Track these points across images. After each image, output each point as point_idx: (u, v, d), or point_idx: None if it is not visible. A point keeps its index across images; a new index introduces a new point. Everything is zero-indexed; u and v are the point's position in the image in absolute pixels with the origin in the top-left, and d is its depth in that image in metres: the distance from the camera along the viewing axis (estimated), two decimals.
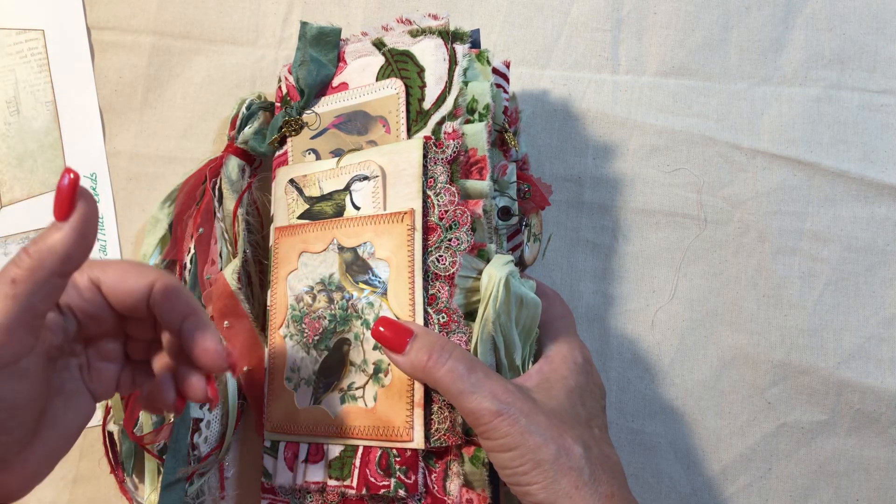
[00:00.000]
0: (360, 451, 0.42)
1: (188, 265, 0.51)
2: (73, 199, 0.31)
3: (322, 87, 0.48)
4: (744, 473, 0.54)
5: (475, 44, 0.46)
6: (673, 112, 0.56)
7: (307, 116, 0.48)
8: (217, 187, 0.52)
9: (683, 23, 0.56)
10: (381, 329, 0.39)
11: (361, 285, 0.43)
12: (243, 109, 0.52)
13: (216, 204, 0.52)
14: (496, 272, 0.40)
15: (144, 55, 0.58)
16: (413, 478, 0.40)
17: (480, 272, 0.42)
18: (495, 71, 0.49)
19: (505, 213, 0.46)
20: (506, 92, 0.49)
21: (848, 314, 0.54)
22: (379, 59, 0.46)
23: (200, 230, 0.51)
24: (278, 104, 0.51)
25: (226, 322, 0.50)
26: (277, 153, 0.50)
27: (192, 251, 0.51)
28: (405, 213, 0.42)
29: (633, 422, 0.54)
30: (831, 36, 0.55)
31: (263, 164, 0.54)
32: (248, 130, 0.51)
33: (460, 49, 0.45)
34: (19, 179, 0.57)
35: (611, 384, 0.54)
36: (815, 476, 0.53)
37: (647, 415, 0.54)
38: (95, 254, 0.57)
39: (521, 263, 0.50)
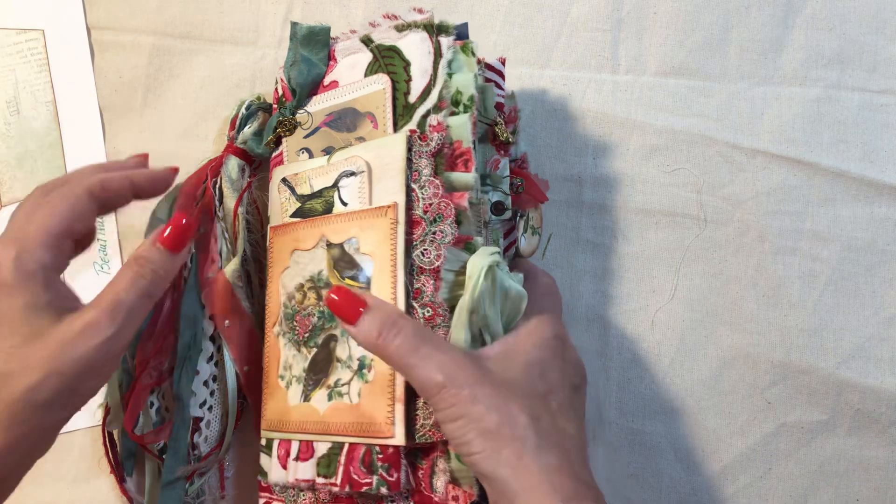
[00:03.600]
0: (346, 448, 0.41)
1: (188, 264, 0.51)
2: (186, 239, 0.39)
3: (314, 87, 0.48)
4: (744, 473, 0.54)
5: (461, 36, 0.46)
6: (673, 112, 0.56)
7: (300, 116, 0.48)
8: (217, 186, 0.52)
9: (683, 23, 0.56)
10: (335, 297, 0.38)
11: (347, 281, 0.43)
12: (242, 110, 0.52)
13: (217, 203, 0.52)
14: (479, 261, 0.40)
15: (144, 55, 0.58)
16: (395, 475, 0.40)
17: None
18: (490, 67, 0.49)
19: (498, 207, 0.46)
20: (500, 88, 0.49)
21: (848, 314, 0.54)
22: (367, 56, 0.46)
23: (201, 229, 0.51)
24: (275, 105, 0.51)
25: (226, 321, 0.50)
26: (274, 153, 0.50)
27: (192, 250, 0.51)
28: (388, 207, 0.42)
29: (633, 422, 0.54)
30: (831, 36, 0.55)
31: (263, 164, 0.54)
32: (247, 131, 0.52)
33: (445, 41, 0.44)
34: (19, 179, 0.57)
35: (611, 384, 0.54)
36: (815, 476, 0.53)
37: (647, 415, 0.54)
38: (94, 253, 0.57)
39: (517, 256, 0.50)
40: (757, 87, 0.56)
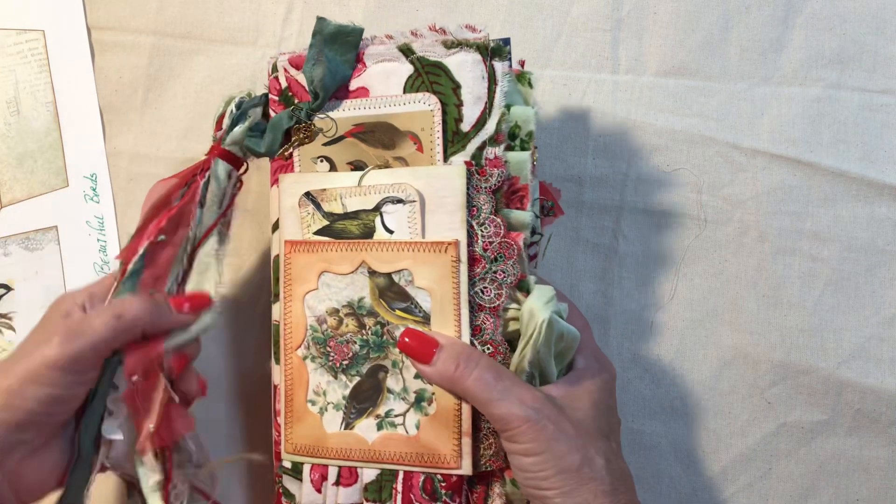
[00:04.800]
0: (402, 475, 0.42)
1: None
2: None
3: (337, 90, 0.44)
4: (744, 473, 0.54)
5: (501, 51, 0.44)
6: (673, 112, 0.56)
7: (321, 121, 0.45)
8: (204, 192, 0.46)
9: (683, 23, 0.56)
10: (408, 340, 0.40)
11: (399, 313, 0.42)
12: (232, 108, 0.47)
13: (199, 210, 0.46)
14: (539, 312, 0.39)
15: (144, 55, 0.58)
16: (458, 500, 0.41)
17: (518, 301, 0.41)
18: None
19: (531, 231, 0.45)
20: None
21: (848, 314, 0.54)
22: (405, 67, 0.43)
23: (162, 237, 0.44)
24: (275, 97, 0.46)
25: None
26: (276, 155, 0.46)
27: (144, 253, 0.44)
28: (449, 244, 0.41)
29: (633, 422, 0.54)
30: (831, 36, 0.55)
31: (248, 168, 0.49)
32: (238, 130, 0.46)
33: (499, 67, 0.42)
34: (19, 179, 0.57)
35: None
36: (815, 476, 0.53)
37: (647, 415, 0.54)
38: (95, 254, 0.57)
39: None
40: (757, 87, 0.56)
